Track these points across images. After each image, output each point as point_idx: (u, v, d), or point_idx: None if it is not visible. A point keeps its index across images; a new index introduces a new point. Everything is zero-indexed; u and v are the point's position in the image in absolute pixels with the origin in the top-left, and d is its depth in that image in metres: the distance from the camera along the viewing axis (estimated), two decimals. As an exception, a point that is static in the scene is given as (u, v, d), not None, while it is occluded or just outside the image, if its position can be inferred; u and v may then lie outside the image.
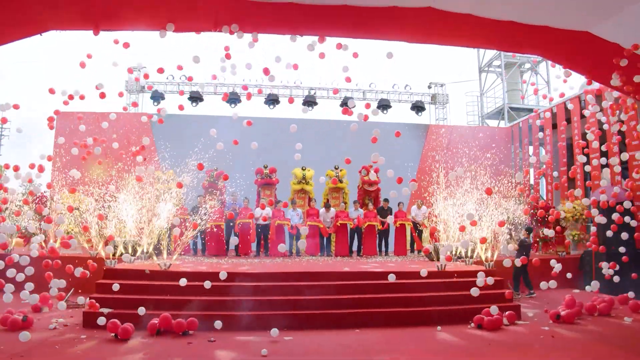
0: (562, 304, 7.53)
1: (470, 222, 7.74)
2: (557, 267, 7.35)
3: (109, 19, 7.28)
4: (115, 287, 6.64)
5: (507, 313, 6.87)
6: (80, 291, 7.36)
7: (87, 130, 9.69)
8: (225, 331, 6.20)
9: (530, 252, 9.59)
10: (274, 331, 6.11)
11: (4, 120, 8.94)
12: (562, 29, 7.26)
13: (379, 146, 14.88)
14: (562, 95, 10.67)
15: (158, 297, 6.71)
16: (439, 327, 6.54)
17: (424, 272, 7.24)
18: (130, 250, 8.61)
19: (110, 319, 5.98)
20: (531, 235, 9.95)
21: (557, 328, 6.64)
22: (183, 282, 6.71)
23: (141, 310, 6.19)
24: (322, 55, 8.00)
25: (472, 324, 6.69)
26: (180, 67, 8.85)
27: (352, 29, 7.61)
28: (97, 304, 6.43)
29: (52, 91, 8.11)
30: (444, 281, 7.65)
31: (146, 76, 14.73)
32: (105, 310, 6.31)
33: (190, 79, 12.96)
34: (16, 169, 7.81)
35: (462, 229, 8.37)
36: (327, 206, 11.85)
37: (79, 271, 6.56)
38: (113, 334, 5.82)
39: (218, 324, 6.23)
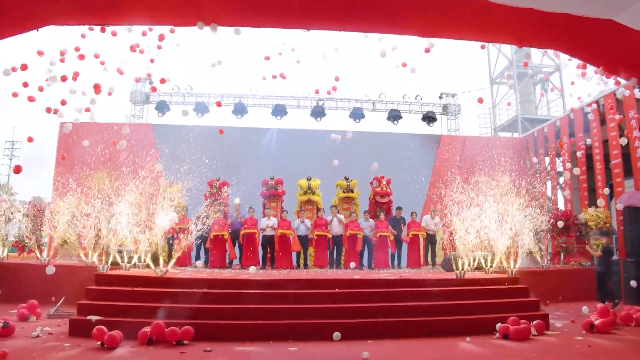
0: (594, 312, 6.86)
1: None
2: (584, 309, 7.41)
3: (108, 12, 6.96)
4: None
5: (535, 322, 6.20)
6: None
7: (93, 140, 9.50)
8: (223, 341, 5.63)
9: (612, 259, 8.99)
10: (336, 335, 5.75)
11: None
12: (584, 16, 6.81)
13: (390, 157, 14.44)
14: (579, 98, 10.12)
15: (151, 304, 6.15)
16: (468, 339, 5.87)
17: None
18: (126, 259, 8.10)
19: (97, 326, 5.44)
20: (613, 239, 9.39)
21: (592, 338, 5.96)
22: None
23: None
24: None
25: (497, 334, 6.03)
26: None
27: (361, 21, 7.21)
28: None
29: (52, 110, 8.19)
30: (463, 289, 7.04)
31: (153, 89, 14.68)
32: (94, 318, 5.77)
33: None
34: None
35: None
36: (333, 207, 11.57)
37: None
38: (99, 342, 5.27)
39: (337, 335, 5.76)
